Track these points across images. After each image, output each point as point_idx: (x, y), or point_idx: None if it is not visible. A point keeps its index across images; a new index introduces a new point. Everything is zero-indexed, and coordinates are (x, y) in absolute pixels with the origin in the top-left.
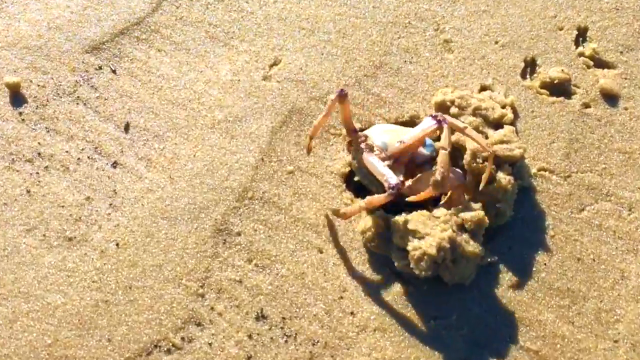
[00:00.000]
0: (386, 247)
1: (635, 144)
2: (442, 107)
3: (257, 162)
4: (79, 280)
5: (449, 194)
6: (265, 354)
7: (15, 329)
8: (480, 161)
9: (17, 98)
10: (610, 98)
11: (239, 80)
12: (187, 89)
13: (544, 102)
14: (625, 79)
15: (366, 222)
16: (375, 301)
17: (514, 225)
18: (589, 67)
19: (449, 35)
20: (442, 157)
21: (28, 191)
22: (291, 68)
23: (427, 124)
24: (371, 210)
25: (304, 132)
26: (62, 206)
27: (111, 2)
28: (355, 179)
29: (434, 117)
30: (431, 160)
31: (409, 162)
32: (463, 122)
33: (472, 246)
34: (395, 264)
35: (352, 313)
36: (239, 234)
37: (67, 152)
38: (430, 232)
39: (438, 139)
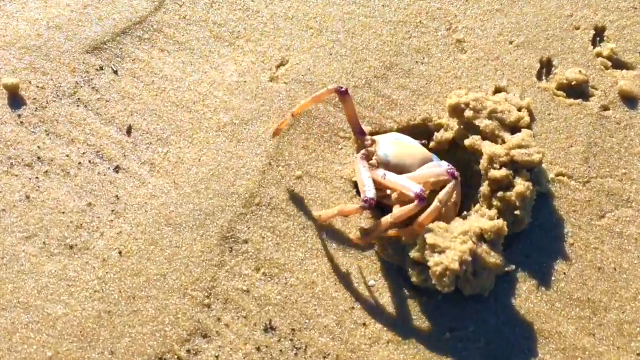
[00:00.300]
0: (400, 257)
1: None
2: (457, 110)
3: (265, 166)
4: (81, 290)
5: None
6: None
7: (14, 341)
8: (498, 167)
9: (15, 100)
10: (630, 100)
11: (245, 81)
12: (191, 91)
13: (561, 105)
14: None
15: None
16: (389, 312)
17: (532, 232)
18: (607, 68)
19: (461, 35)
20: (433, 208)
21: (27, 197)
22: (299, 69)
23: (438, 171)
24: (346, 216)
25: (312, 136)
26: (63, 213)
27: (112, 0)
28: None
29: (451, 171)
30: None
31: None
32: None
33: (493, 257)
34: (413, 279)
35: (364, 324)
36: (246, 241)
37: (67, 156)
38: (450, 245)
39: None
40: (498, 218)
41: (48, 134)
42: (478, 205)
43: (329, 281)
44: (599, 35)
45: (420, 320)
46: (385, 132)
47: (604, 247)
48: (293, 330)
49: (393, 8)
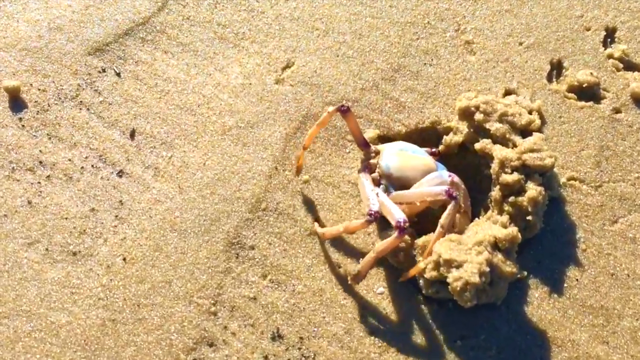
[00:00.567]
0: (411, 264)
1: None
2: (467, 113)
3: (271, 170)
4: (84, 298)
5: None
6: None
7: (17, 350)
8: (509, 171)
9: (16, 103)
10: None
11: (250, 83)
12: (195, 93)
13: (571, 107)
14: None
15: None
16: (398, 320)
17: (543, 238)
18: (618, 69)
19: (470, 36)
20: (437, 235)
21: (29, 202)
22: (305, 71)
23: (435, 190)
24: (351, 232)
25: (319, 139)
26: (66, 218)
27: (115, 1)
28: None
29: (450, 192)
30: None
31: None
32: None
33: (509, 266)
34: (424, 291)
35: (373, 332)
36: (252, 247)
37: (70, 160)
38: (466, 258)
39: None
40: (510, 224)
41: (50, 138)
42: (489, 212)
43: (337, 288)
44: (610, 36)
45: (431, 328)
46: (393, 135)
47: (617, 253)
48: (301, 338)
49: (400, 9)
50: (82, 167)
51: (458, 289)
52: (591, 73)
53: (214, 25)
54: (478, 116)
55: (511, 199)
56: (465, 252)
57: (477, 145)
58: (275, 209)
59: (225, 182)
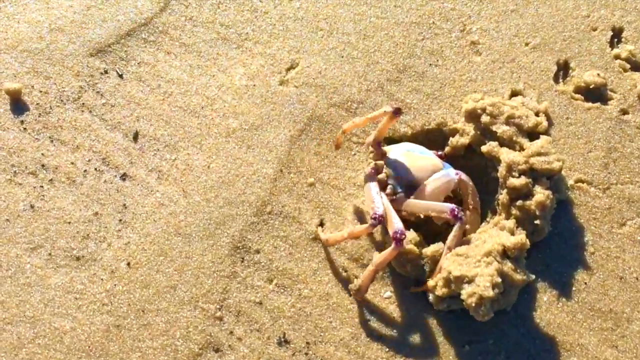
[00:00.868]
0: (418, 272)
1: None
2: (473, 116)
3: (276, 173)
4: (88, 303)
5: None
6: None
7: (21, 356)
8: (517, 175)
9: (18, 105)
10: None
11: (254, 85)
12: (199, 95)
13: (578, 108)
14: None
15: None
16: (406, 325)
17: (551, 241)
18: (625, 70)
19: (476, 37)
20: (444, 257)
21: (32, 206)
22: (309, 72)
23: (440, 207)
24: (356, 238)
25: (324, 141)
26: (69, 222)
27: (116, 1)
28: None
29: (455, 212)
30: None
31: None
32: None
33: (519, 274)
34: (435, 307)
35: (380, 337)
36: (257, 251)
37: (72, 163)
38: (476, 271)
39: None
40: (517, 228)
41: (52, 141)
42: (497, 217)
43: (343, 292)
44: (617, 36)
45: (438, 333)
46: (399, 137)
47: (625, 256)
48: (307, 343)
49: (405, 9)
50: (85, 171)
51: (473, 305)
52: (598, 74)
53: (217, 25)
54: (485, 118)
55: (519, 202)
56: (475, 265)
57: (484, 148)
58: (280, 212)
59: (230, 185)
